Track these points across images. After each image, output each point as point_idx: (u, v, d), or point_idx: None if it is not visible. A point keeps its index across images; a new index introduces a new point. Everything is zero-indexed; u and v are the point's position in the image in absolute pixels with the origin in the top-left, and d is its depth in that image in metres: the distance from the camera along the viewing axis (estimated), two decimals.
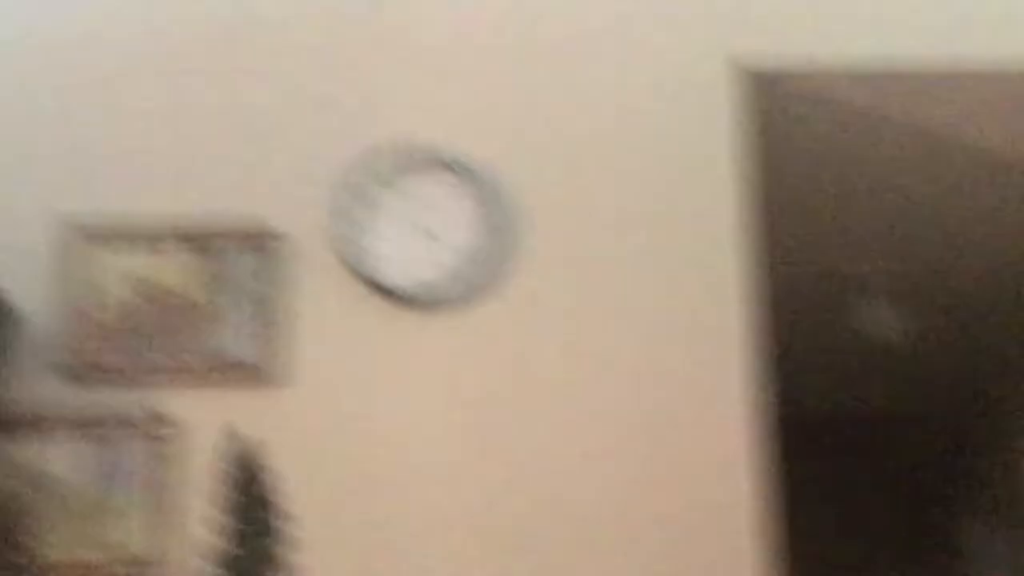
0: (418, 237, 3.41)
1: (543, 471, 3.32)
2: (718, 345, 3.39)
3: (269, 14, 3.63)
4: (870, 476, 7.27)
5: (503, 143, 3.52)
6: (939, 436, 6.73)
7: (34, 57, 3.56)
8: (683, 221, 3.48)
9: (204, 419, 3.33)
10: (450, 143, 3.50)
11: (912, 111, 3.80)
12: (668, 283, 3.45)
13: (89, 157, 3.50)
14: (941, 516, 6.84)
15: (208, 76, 3.58)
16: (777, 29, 3.63)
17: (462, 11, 3.65)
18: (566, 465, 3.32)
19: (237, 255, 3.41)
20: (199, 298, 3.38)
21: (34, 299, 3.39)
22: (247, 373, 3.34)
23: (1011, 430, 5.60)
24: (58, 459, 3.27)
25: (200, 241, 3.42)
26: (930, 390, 6.19)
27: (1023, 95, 3.65)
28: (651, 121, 3.56)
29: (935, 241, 4.73)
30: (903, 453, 7.05)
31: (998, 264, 4.87)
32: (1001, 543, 6.09)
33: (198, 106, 3.55)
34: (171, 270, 3.40)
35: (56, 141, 3.51)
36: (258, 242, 3.43)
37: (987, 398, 5.96)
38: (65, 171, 3.49)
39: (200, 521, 3.26)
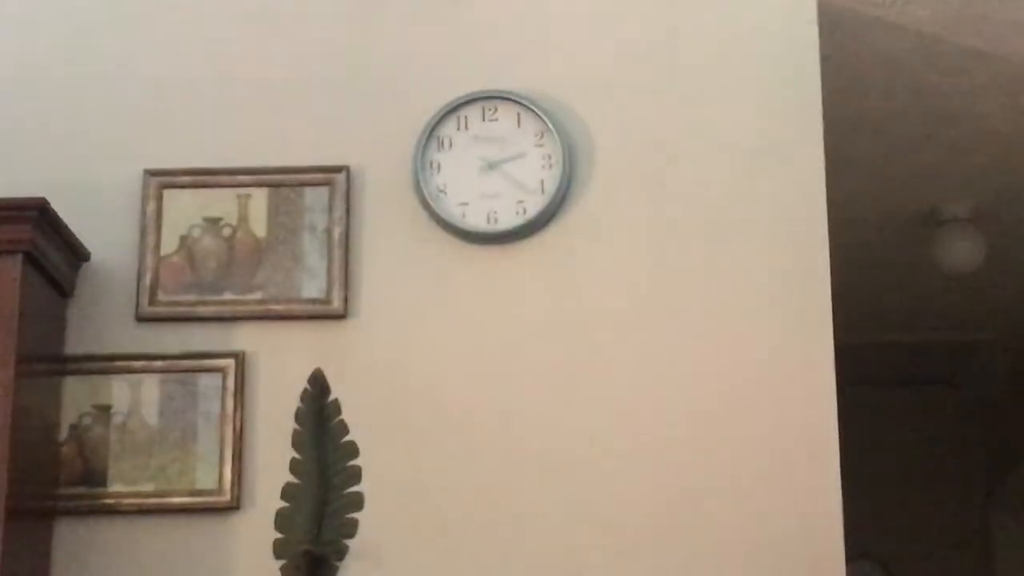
0: (488, 175, 3.42)
1: (612, 404, 3.32)
2: (797, 281, 3.36)
3: None
4: (941, 405, 7.26)
5: (576, 82, 3.50)
6: (1014, 363, 6.67)
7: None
8: (762, 158, 3.44)
9: (276, 355, 3.35)
10: (524, 85, 3.48)
11: (999, 41, 3.79)
12: (746, 221, 3.41)
13: (167, 104, 3.53)
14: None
15: (285, 23, 3.59)
16: None
17: None
18: (638, 398, 3.32)
19: (307, 190, 3.42)
20: (269, 234, 3.40)
21: (107, 241, 3.42)
22: (319, 309, 3.36)
23: None
24: (134, 398, 3.32)
25: (269, 177, 3.44)
26: (1006, 318, 6.15)
27: None
28: (730, 59, 3.52)
29: (1014, 171, 4.73)
30: (977, 380, 7.00)
31: None
32: None
33: (278, 52, 3.57)
34: (241, 208, 3.42)
35: (127, 91, 3.54)
36: (328, 177, 3.43)
37: None
38: (138, 117, 3.52)
39: (274, 457, 3.29)
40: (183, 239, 3.41)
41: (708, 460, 3.28)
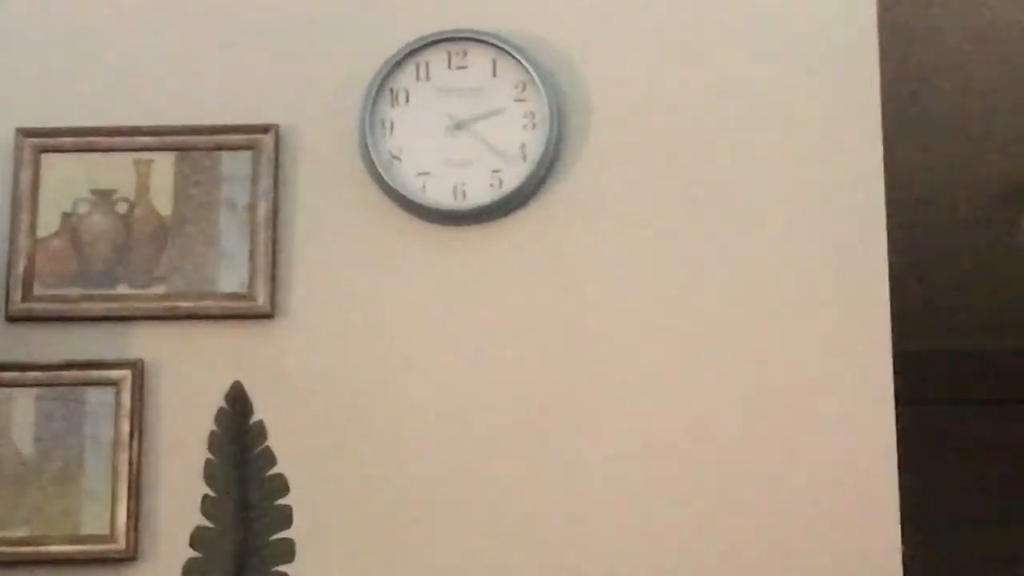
0: (455, 137, 3.17)
1: (611, 425, 3.02)
2: (845, 274, 3.06)
3: None
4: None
5: (568, 20, 3.20)
6: None
7: None
8: (800, 118, 3.14)
9: (184, 365, 3.08)
10: (502, 23, 3.20)
11: None
12: (781, 200, 3.10)
13: (47, 48, 3.25)
14: None
15: None
16: None
17: None
18: (642, 418, 3.02)
19: (224, 155, 3.16)
20: (176, 211, 3.14)
21: None
22: (239, 306, 3.08)
23: None
24: (3, 418, 3.04)
25: (176, 139, 3.15)
26: None
27: None
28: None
29: None
30: None
31: None
32: None
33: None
34: (141, 178, 3.15)
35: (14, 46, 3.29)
36: (252, 139, 3.14)
37: None
38: (9, 62, 3.24)
39: (181, 495, 3.02)
40: (66, 217, 3.11)
41: (730, 498, 2.98)
